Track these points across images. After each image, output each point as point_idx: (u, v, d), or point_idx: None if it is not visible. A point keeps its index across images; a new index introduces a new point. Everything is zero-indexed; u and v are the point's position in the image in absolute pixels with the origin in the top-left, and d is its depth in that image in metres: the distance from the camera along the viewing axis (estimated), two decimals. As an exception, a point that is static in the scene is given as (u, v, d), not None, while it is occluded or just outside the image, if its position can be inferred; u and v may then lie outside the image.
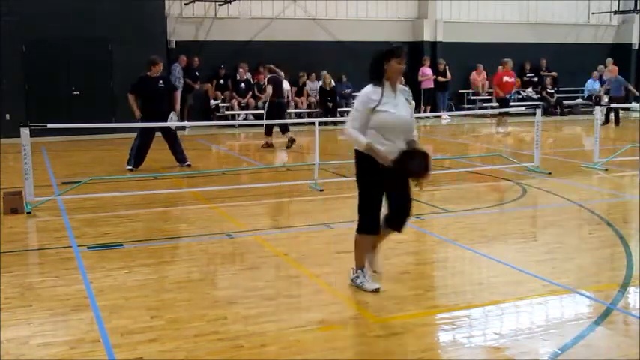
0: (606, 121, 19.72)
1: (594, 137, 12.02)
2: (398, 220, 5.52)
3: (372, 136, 5.29)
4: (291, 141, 14.65)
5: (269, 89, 14.87)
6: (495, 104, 22.43)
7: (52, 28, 16.80)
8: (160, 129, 11.97)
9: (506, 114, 17.38)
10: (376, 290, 5.49)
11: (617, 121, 19.74)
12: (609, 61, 22.14)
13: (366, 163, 5.35)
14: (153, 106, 11.68)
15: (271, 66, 15.27)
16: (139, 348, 4.47)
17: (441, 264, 6.69)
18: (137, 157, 11.82)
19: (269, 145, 14.99)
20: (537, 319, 5.09)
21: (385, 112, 5.32)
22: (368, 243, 5.57)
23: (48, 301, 5.38)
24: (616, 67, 21.90)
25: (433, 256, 6.92)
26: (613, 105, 19.13)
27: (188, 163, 12.19)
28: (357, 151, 5.41)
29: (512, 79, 17.75)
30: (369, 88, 5.43)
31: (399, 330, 4.76)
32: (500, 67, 18.00)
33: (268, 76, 15.18)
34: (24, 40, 16.76)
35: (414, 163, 5.30)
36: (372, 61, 5.47)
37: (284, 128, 14.86)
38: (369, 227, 5.48)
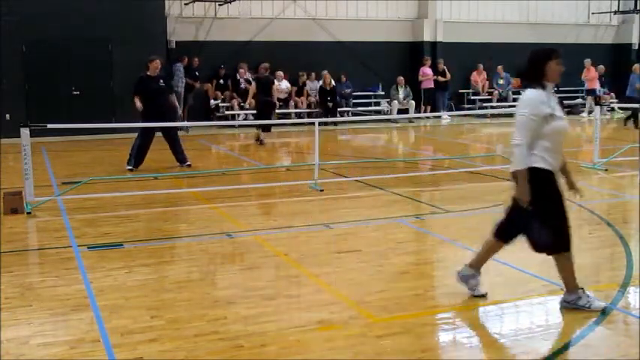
0: (636, 124, 18.19)
1: (594, 137, 12.02)
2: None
3: (543, 148, 4.85)
4: (260, 140, 15.34)
5: (251, 89, 15.83)
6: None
7: (52, 28, 16.80)
8: (161, 129, 11.98)
9: None
10: (604, 310, 5.03)
11: (627, 122, 18.95)
12: (587, 61, 22.07)
13: (547, 180, 4.93)
14: (153, 106, 11.69)
15: (265, 65, 15.88)
16: (139, 348, 4.47)
17: (441, 264, 6.69)
18: (137, 156, 11.82)
19: (261, 141, 15.32)
20: (537, 319, 5.09)
21: (559, 118, 4.91)
22: (571, 261, 5.07)
23: (48, 301, 5.38)
24: (593, 68, 21.81)
25: (433, 256, 6.92)
26: (622, 105, 18.91)
27: (188, 163, 12.20)
28: (531, 169, 4.86)
29: None
30: (533, 93, 4.91)
31: (399, 330, 4.76)
32: None
33: (255, 75, 16.25)
34: (24, 40, 16.76)
35: (543, 236, 4.92)
36: (530, 62, 5.03)
37: (265, 127, 15.55)
38: (567, 243, 5.01)
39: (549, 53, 5.01)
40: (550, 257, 6.57)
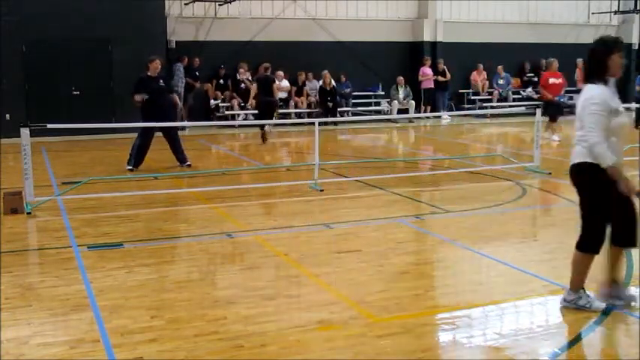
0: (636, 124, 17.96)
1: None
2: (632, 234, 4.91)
3: (611, 145, 4.75)
4: (263, 135, 15.68)
5: (252, 89, 16.40)
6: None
7: (52, 28, 16.79)
8: (161, 129, 11.98)
9: (555, 119, 15.68)
10: (605, 310, 5.02)
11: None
12: (580, 61, 21.86)
13: (605, 176, 4.74)
14: (153, 106, 11.69)
15: (265, 65, 16.31)
16: (139, 348, 4.47)
17: (441, 264, 6.69)
18: (137, 156, 11.81)
19: (263, 135, 15.69)
20: (537, 319, 5.09)
21: (622, 113, 4.83)
22: (590, 263, 5.00)
23: (48, 301, 5.38)
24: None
25: (433, 256, 6.92)
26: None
27: (188, 163, 12.20)
28: (591, 164, 4.78)
29: (560, 80, 16.14)
30: (599, 89, 4.79)
31: (399, 330, 4.76)
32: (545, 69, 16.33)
33: (256, 76, 16.72)
34: (24, 40, 16.75)
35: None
36: (592, 58, 4.89)
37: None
38: (598, 247, 4.92)
39: (611, 47, 4.84)
40: (550, 257, 6.59)
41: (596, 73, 4.86)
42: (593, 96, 4.76)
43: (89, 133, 15.90)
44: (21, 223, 8.11)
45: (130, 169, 11.72)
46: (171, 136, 12.14)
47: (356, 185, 10.27)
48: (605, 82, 4.81)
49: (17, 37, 16.58)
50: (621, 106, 4.86)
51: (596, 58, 4.87)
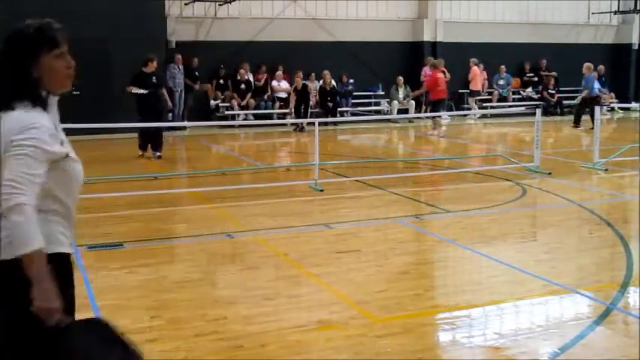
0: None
1: (594, 137, 12.02)
2: None
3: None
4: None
5: None
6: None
7: (52, 28, 16.78)
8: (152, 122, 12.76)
9: None
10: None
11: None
12: (473, 60, 21.93)
13: None
14: (145, 101, 12.69)
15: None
16: (139, 348, 4.46)
17: (441, 264, 6.69)
18: (140, 139, 13.19)
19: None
20: (537, 319, 5.09)
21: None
22: None
23: (48, 301, 5.37)
24: (477, 68, 21.82)
25: (433, 256, 6.93)
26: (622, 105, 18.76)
27: (159, 154, 12.93)
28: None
29: None
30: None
31: (399, 330, 4.76)
32: None
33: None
34: (24, 40, 16.74)
35: None
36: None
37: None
38: None
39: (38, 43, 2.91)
40: (550, 257, 6.59)
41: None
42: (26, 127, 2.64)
43: (89, 133, 15.83)
44: (21, 223, 8.09)
45: (157, 157, 12.86)
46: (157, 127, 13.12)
47: (356, 185, 10.27)
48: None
49: (17, 37, 16.55)
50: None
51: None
